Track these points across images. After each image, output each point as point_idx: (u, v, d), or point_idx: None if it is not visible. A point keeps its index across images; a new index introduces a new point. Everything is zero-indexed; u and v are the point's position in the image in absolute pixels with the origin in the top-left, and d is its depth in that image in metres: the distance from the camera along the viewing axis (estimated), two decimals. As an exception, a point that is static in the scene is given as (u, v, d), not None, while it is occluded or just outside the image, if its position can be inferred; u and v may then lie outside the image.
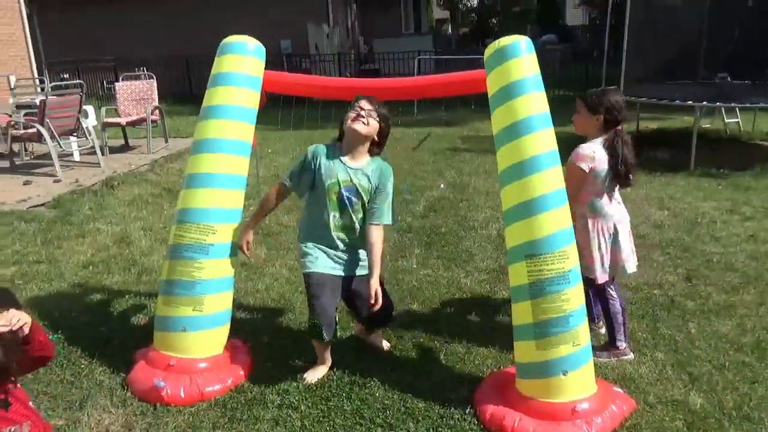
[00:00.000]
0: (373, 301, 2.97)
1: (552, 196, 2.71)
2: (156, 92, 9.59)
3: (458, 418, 2.83)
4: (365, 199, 3.04)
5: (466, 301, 4.14)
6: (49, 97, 7.93)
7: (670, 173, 7.76)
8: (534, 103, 2.76)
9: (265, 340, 3.54)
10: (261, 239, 5.39)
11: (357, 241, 3.10)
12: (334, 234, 3.06)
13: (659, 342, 3.52)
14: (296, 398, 2.98)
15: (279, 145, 10.02)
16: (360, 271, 3.13)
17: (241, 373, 3.16)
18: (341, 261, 3.11)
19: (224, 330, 3.21)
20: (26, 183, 7.35)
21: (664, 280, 4.42)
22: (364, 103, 3.01)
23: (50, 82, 9.80)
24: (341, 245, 3.09)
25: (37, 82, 11.46)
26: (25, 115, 8.54)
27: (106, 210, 6.33)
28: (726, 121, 10.24)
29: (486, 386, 2.99)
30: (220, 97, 3.18)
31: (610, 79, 10.51)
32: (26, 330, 2.07)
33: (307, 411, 2.89)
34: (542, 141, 2.74)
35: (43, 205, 6.45)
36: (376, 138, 3.05)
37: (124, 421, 2.85)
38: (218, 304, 3.13)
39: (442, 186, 7.34)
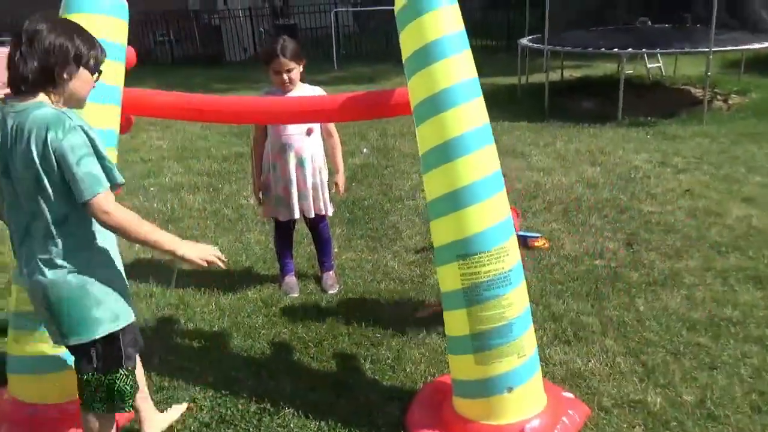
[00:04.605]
0: None
1: (484, 183, 2.21)
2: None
3: (388, 448, 2.39)
4: None
5: (395, 289, 3.68)
6: None
7: (598, 124, 7.53)
8: (458, 68, 2.23)
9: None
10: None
11: None
12: None
13: (607, 326, 3.17)
14: (191, 442, 2.46)
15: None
16: None
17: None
18: None
19: None
20: None
21: (605, 247, 4.10)
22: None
23: None
24: None
25: None
26: None
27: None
28: (648, 66, 10.09)
29: (418, 405, 2.53)
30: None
31: (534, 26, 10.13)
32: None
33: (205, 458, 2.38)
34: (470, 115, 2.22)
35: None
36: None
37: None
38: None
39: (365, 150, 6.81)
